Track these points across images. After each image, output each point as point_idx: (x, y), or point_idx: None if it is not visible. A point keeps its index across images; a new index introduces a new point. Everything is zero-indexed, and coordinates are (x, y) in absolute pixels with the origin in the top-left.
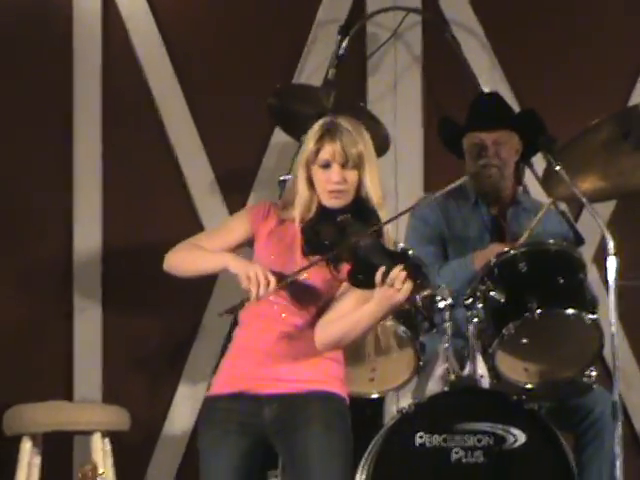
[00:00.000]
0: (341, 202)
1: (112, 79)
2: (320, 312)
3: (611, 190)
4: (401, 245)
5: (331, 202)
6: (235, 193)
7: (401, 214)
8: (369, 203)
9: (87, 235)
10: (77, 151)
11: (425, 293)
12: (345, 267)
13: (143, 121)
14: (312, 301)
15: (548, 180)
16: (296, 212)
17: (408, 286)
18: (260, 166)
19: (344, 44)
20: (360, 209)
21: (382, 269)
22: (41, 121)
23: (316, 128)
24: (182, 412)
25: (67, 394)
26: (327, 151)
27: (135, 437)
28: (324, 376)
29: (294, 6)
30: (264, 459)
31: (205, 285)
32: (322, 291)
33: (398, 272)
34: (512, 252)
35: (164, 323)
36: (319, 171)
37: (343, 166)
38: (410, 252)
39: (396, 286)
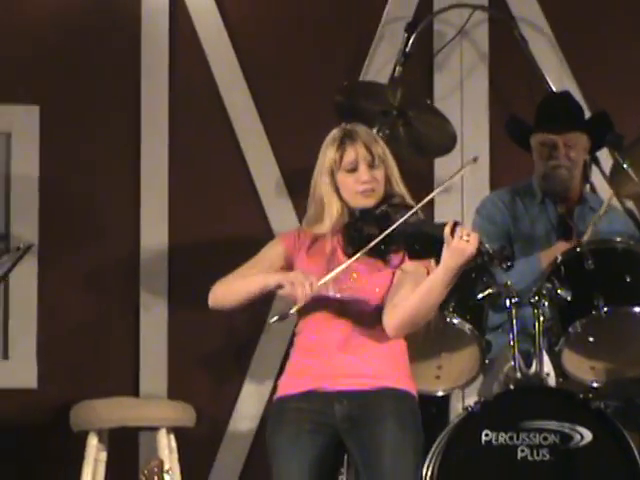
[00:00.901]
0: (373, 200)
1: (179, 78)
2: (380, 304)
3: None
4: None
5: (363, 202)
6: (302, 191)
7: (433, 195)
8: (399, 198)
9: (154, 233)
10: (144, 150)
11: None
12: (395, 256)
13: (210, 120)
14: (370, 294)
15: (615, 178)
16: (327, 223)
17: (475, 235)
18: None
19: (411, 41)
20: (391, 202)
21: (448, 227)
22: (108, 121)
23: (332, 137)
24: (248, 409)
25: (133, 390)
26: (351, 154)
27: (201, 433)
28: (394, 371)
29: (362, 3)
30: (337, 456)
31: None
32: (377, 282)
33: (460, 227)
34: (578, 250)
35: (230, 320)
36: (346, 176)
37: (369, 166)
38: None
39: (465, 238)
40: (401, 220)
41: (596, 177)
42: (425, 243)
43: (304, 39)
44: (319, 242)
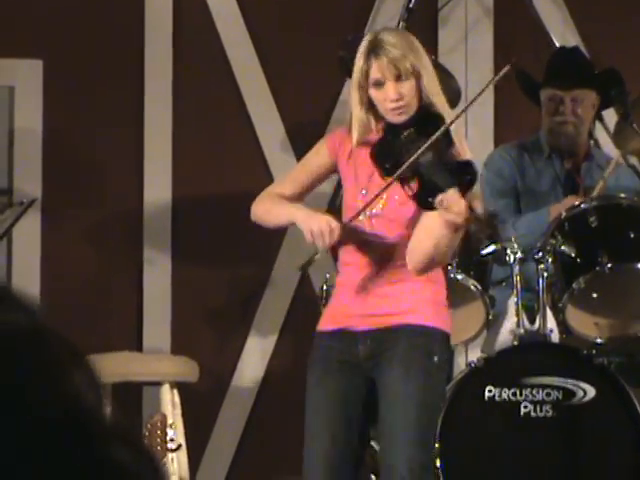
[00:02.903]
0: (405, 116)
1: (183, 30)
2: (410, 226)
3: None
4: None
5: (396, 118)
6: (306, 146)
7: (464, 110)
8: (434, 108)
9: (157, 188)
10: (148, 105)
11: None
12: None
13: (214, 75)
14: (398, 226)
15: (620, 134)
16: (354, 134)
17: (461, 206)
18: (331, 118)
19: None
20: (425, 117)
21: (438, 197)
22: (112, 75)
23: (362, 47)
24: (251, 364)
25: (137, 345)
26: (376, 69)
27: (204, 388)
28: (418, 304)
29: None
30: (368, 391)
31: (274, 237)
32: (404, 213)
33: (451, 195)
34: (582, 206)
35: (233, 275)
36: (374, 91)
37: (397, 80)
38: (471, 162)
39: (454, 210)
40: (414, 159)
41: (600, 133)
42: (429, 195)
43: None
44: (357, 151)
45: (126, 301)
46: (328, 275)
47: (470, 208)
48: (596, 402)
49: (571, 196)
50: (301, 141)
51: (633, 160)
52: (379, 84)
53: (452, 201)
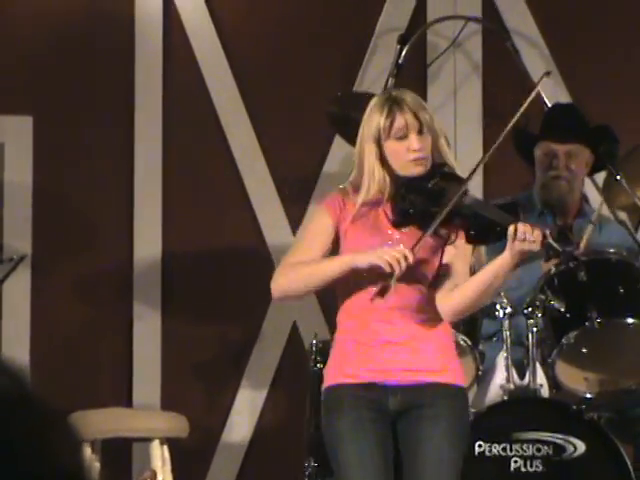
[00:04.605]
0: (423, 169)
1: (173, 90)
2: (430, 287)
3: None
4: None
5: (414, 170)
6: (294, 199)
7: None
8: (447, 167)
9: (147, 243)
10: (138, 160)
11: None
12: (445, 231)
13: (204, 131)
14: (421, 276)
15: (608, 190)
16: (367, 192)
17: (538, 233)
18: (320, 174)
19: (404, 53)
20: (442, 172)
21: (511, 229)
22: (101, 131)
23: (379, 105)
24: (241, 419)
25: (127, 401)
26: (400, 122)
27: (194, 444)
28: (448, 363)
29: (355, 15)
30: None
31: (264, 292)
32: (429, 262)
33: (523, 226)
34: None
35: (223, 331)
36: (395, 144)
37: (419, 132)
38: (515, 201)
39: (529, 239)
40: (456, 202)
41: (589, 189)
42: (483, 229)
43: (298, 49)
44: (362, 211)
45: (116, 357)
46: (317, 331)
47: (544, 235)
48: (586, 457)
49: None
50: (289, 194)
51: (622, 216)
52: (402, 137)
53: (528, 229)
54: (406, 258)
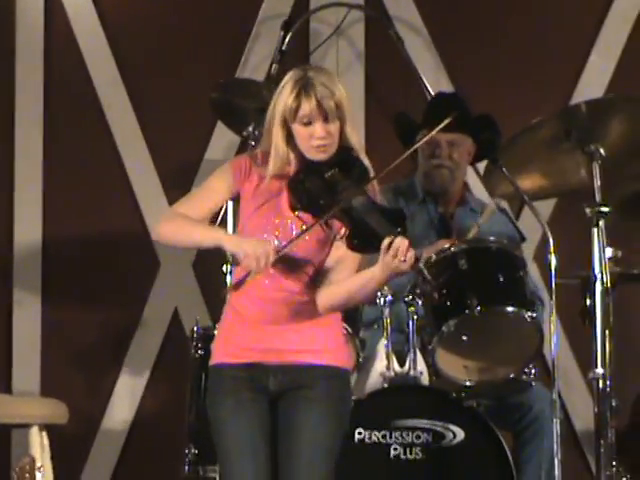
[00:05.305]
0: (326, 155)
1: (54, 75)
2: (317, 273)
3: (552, 188)
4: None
5: (318, 156)
6: (177, 187)
7: (389, 169)
8: (353, 152)
9: (27, 228)
10: (18, 145)
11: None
12: (337, 224)
13: (85, 116)
14: (308, 263)
15: (489, 177)
16: (272, 167)
17: (411, 255)
18: (202, 160)
19: (287, 40)
20: (345, 160)
21: (386, 242)
22: None
23: (290, 84)
24: (122, 405)
25: (6, 387)
26: (306, 108)
27: (74, 430)
28: (332, 344)
29: (237, 1)
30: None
31: (146, 278)
32: (316, 251)
33: (400, 242)
34: (452, 249)
35: (104, 316)
36: (300, 128)
37: (324, 120)
38: (403, 211)
39: (400, 257)
40: (345, 201)
41: (470, 177)
42: (365, 238)
43: (181, 35)
44: (268, 185)
45: None
46: (198, 317)
47: (416, 258)
48: (465, 444)
49: (442, 240)
50: (172, 182)
51: (503, 204)
52: (307, 123)
53: (403, 247)
54: (267, 259)
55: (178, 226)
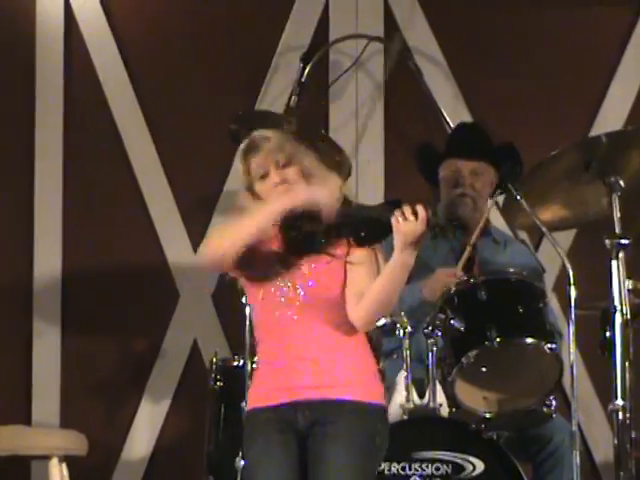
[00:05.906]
0: (295, 194)
1: (74, 108)
2: (340, 301)
3: (572, 220)
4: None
5: (281, 197)
6: (196, 219)
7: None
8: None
9: (47, 260)
10: (38, 176)
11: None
12: (339, 246)
13: (104, 148)
14: (328, 294)
15: (509, 208)
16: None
17: (423, 212)
18: (222, 192)
19: (306, 71)
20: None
21: (398, 211)
22: (1, 147)
23: (239, 154)
24: (141, 436)
25: (25, 418)
26: (256, 163)
27: (93, 462)
28: (360, 376)
29: (257, 32)
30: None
31: (165, 309)
32: (333, 282)
33: (406, 206)
34: (472, 281)
35: (124, 347)
36: (261, 185)
37: (277, 168)
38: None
39: (411, 218)
40: (338, 216)
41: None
42: (370, 228)
43: (200, 66)
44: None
45: (15, 374)
46: (217, 349)
47: (427, 214)
48: (485, 476)
49: (440, 269)
50: (191, 214)
51: (522, 235)
52: (264, 176)
53: (409, 208)
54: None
55: (228, 229)
